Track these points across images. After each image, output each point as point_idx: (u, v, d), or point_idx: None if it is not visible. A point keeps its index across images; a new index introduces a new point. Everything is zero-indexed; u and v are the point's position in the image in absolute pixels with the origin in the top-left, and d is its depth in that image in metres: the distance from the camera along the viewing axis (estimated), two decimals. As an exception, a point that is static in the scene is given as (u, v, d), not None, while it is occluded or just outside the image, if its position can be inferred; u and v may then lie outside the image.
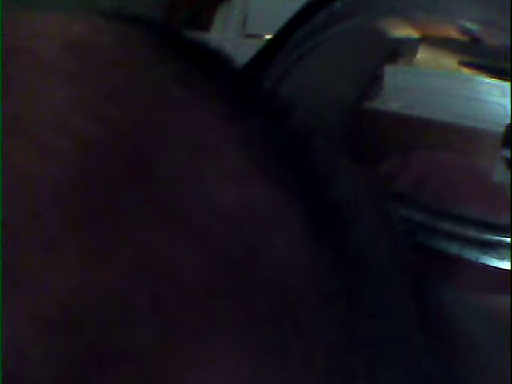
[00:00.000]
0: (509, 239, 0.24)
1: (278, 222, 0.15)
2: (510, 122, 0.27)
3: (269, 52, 0.26)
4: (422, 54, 0.28)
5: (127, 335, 0.12)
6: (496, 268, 0.25)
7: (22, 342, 0.12)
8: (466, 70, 0.29)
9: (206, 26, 0.71)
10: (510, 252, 0.24)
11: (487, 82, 0.29)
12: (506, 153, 0.29)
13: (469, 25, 0.27)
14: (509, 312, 0.24)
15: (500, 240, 0.25)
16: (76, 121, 0.14)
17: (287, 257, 0.15)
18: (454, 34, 0.28)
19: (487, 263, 0.25)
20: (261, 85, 0.24)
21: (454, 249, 0.25)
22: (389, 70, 0.29)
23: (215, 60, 0.18)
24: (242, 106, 0.17)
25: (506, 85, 0.28)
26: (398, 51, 0.29)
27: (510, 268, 0.24)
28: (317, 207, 0.16)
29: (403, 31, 0.28)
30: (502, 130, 0.27)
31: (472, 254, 0.25)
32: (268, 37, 0.47)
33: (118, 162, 0.14)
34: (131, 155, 0.14)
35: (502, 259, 0.24)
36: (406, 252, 0.20)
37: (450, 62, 0.29)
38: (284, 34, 0.25)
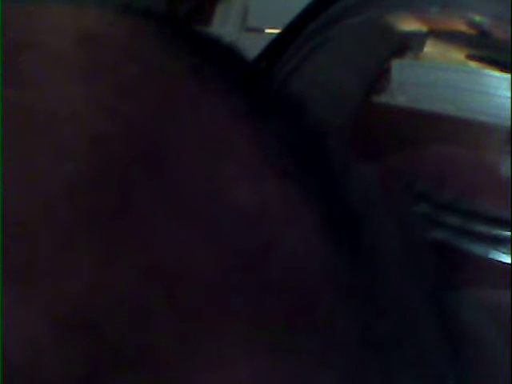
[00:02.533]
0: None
1: (292, 219, 0.15)
2: (510, 116, 0.27)
3: (279, 46, 0.26)
4: (430, 48, 0.28)
5: (142, 334, 0.12)
6: (506, 263, 0.25)
7: (36, 339, 0.12)
8: (473, 64, 0.29)
9: (206, 20, 0.71)
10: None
11: (495, 76, 0.29)
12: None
13: (477, 18, 0.27)
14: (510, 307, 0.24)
15: (509, 235, 0.25)
16: (89, 115, 0.14)
17: (302, 254, 0.15)
18: (462, 27, 0.28)
19: (497, 258, 0.25)
20: (274, 81, 0.24)
21: (463, 244, 0.25)
22: (396, 64, 0.29)
23: (229, 55, 0.18)
24: (257, 102, 0.16)
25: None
26: (406, 45, 0.29)
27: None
28: (331, 205, 0.16)
29: (411, 25, 0.28)
30: (510, 123, 0.27)
31: (481, 249, 0.25)
32: (269, 30, 0.46)
33: (132, 158, 0.14)
34: (145, 151, 0.14)
35: (512, 254, 0.24)
36: (421, 249, 0.20)
37: (457, 55, 0.29)
38: (295, 28, 0.25)
